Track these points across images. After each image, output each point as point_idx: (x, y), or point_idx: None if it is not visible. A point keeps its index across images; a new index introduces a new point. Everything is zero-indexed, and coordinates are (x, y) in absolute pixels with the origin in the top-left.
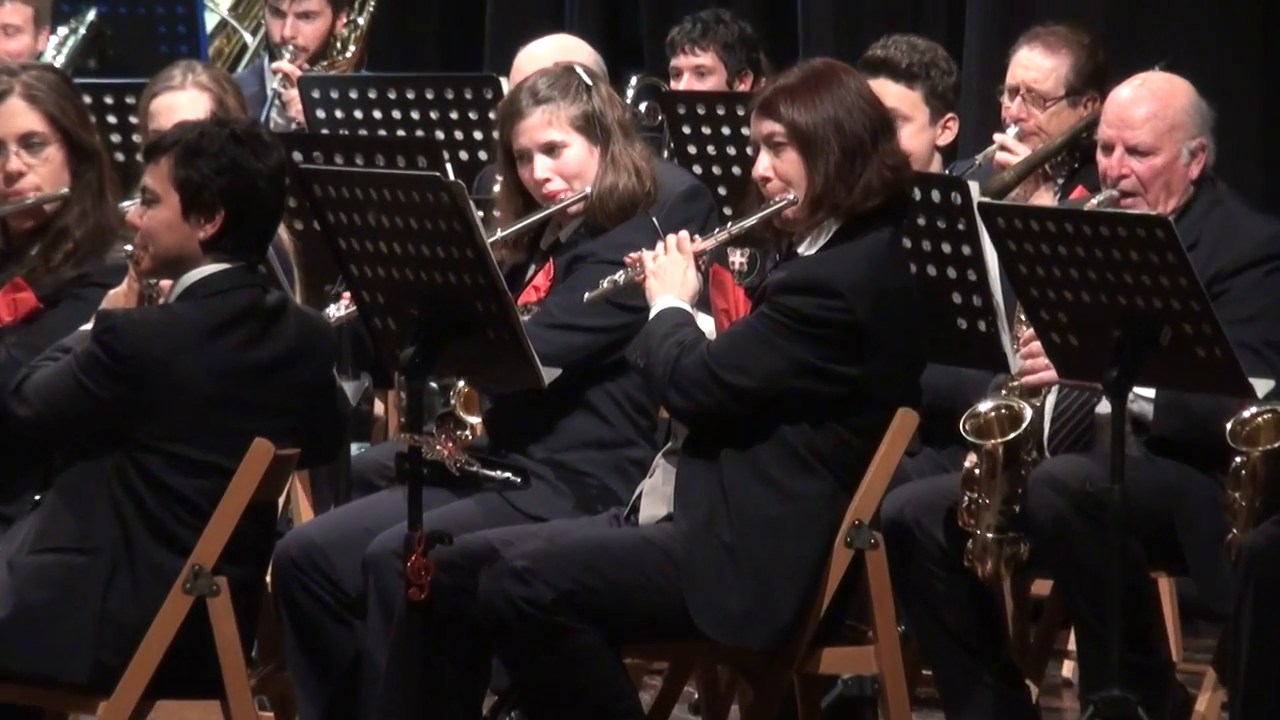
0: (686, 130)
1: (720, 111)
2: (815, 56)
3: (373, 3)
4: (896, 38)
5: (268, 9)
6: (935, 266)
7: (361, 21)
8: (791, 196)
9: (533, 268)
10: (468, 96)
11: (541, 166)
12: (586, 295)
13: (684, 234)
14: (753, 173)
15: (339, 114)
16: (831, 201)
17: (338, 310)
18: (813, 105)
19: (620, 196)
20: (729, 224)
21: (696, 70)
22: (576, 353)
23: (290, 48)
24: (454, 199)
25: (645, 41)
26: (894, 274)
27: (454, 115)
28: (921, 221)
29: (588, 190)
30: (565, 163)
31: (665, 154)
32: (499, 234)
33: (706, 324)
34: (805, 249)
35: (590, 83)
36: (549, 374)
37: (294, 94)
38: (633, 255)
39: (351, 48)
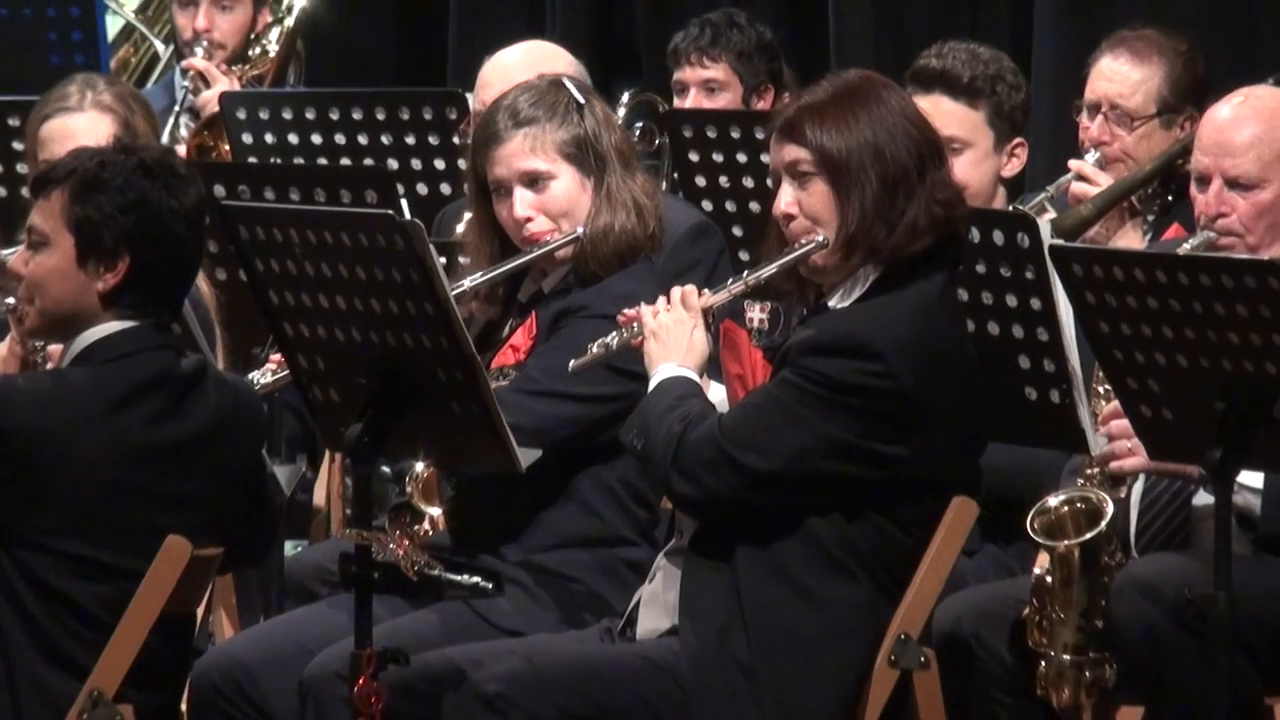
0: (693, 157)
1: (734, 134)
2: (850, 68)
3: None
4: (953, 44)
5: (174, 3)
6: (998, 323)
7: (288, 18)
8: (821, 238)
9: (509, 324)
10: (426, 117)
11: (522, 202)
12: (572, 363)
13: (690, 287)
14: (773, 209)
15: (270, 138)
16: (869, 244)
17: (268, 378)
18: (846, 127)
19: (617, 239)
20: (744, 272)
21: (705, 85)
22: (562, 428)
23: (204, 43)
24: (410, 242)
25: (643, 50)
26: (946, 332)
27: (410, 140)
28: (981, 268)
29: (579, 231)
30: (551, 198)
31: (665, 185)
32: (466, 284)
33: (718, 394)
34: (837, 302)
35: (582, 100)
36: (527, 455)
37: (210, 97)
38: (628, 312)
39: (274, 47)
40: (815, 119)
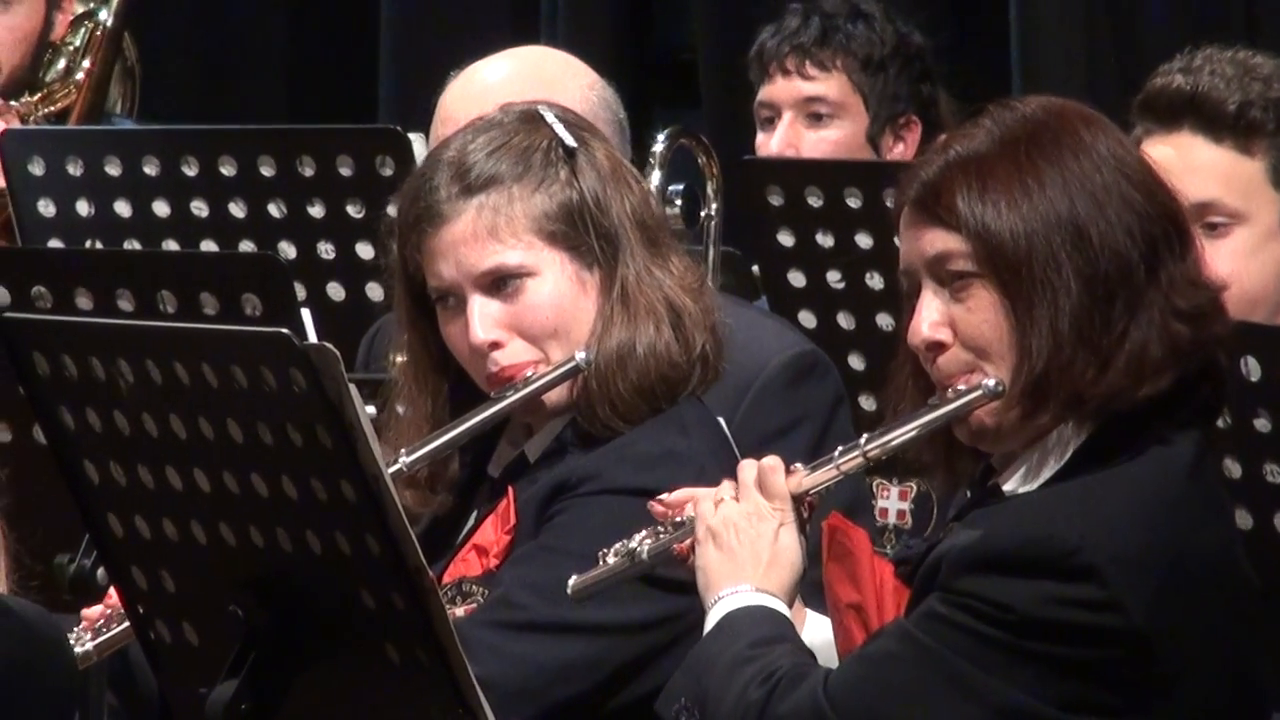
0: (785, 240)
1: (851, 201)
2: (1035, 93)
3: None
4: (1211, 52)
5: None
6: None
7: (107, 17)
8: (991, 382)
9: (474, 513)
10: (344, 172)
11: (484, 319)
12: (573, 580)
13: (773, 460)
14: (908, 332)
15: (84, 207)
16: (1068, 389)
17: (80, 641)
18: (1024, 195)
19: (641, 366)
20: (863, 437)
21: (806, 108)
22: (561, 684)
23: None
24: (318, 379)
25: (701, 61)
26: (1201, 532)
27: (317, 210)
28: (1262, 423)
29: (578, 358)
30: (529, 307)
31: (712, 280)
32: (401, 461)
33: (817, 633)
34: (1019, 484)
35: (573, 142)
36: None
37: None
38: (669, 497)
39: (85, 65)
40: (971, 182)
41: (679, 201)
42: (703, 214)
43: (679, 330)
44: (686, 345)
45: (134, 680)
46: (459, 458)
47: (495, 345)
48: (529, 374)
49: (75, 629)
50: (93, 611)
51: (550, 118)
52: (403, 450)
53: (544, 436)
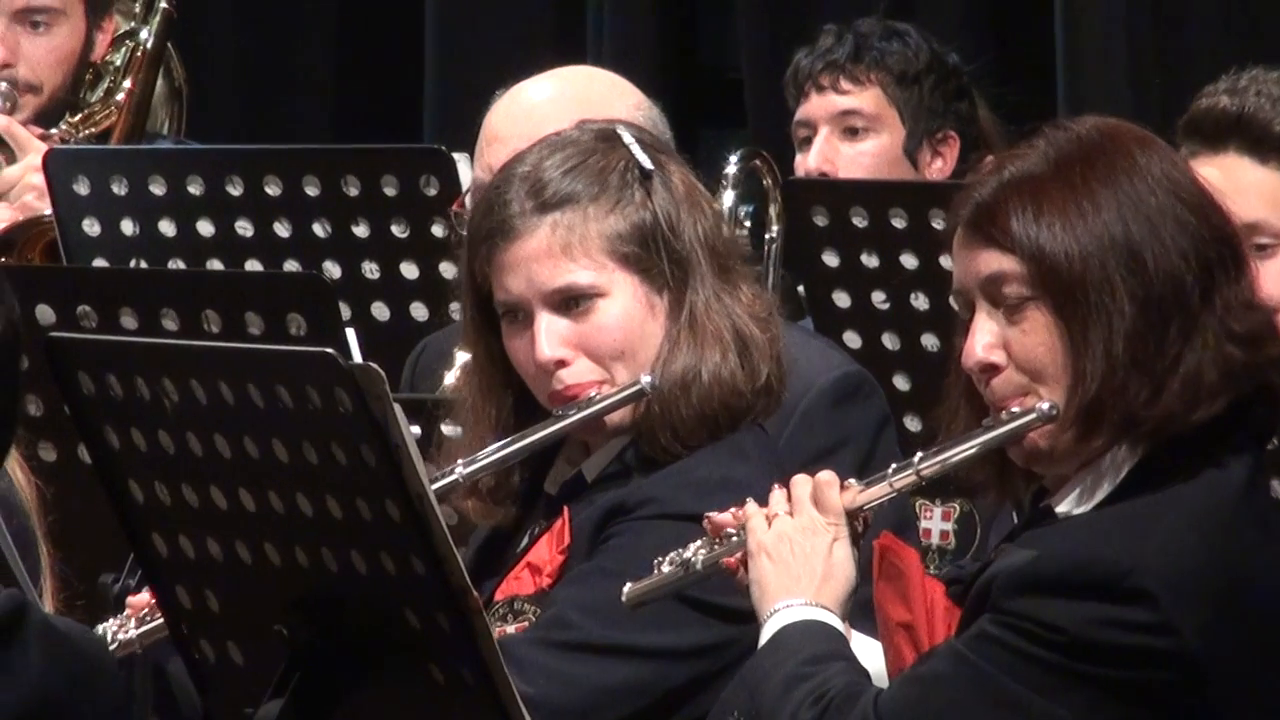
0: (830, 260)
1: (898, 223)
2: (1084, 113)
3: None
4: (1256, 73)
5: None
6: None
7: (148, 36)
8: (1045, 405)
9: (529, 531)
10: (389, 192)
11: (550, 336)
12: (628, 588)
13: (828, 475)
14: (963, 355)
15: (129, 226)
16: (1122, 411)
17: (124, 628)
18: (1078, 216)
19: (705, 393)
20: (917, 455)
21: (842, 122)
22: (612, 705)
23: (0, 86)
24: (363, 399)
25: (746, 79)
26: (1256, 555)
27: (361, 230)
28: None
29: (643, 382)
30: (598, 328)
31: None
32: (459, 471)
33: (867, 651)
34: (1072, 505)
35: (650, 164)
36: None
37: (14, 176)
38: (719, 516)
39: (126, 85)
40: (1026, 204)
41: (748, 224)
42: (766, 236)
43: (745, 359)
44: (751, 375)
45: (176, 702)
46: (521, 473)
47: (561, 363)
48: (592, 394)
49: (120, 616)
50: (139, 600)
51: (628, 138)
52: (459, 461)
53: (602, 456)
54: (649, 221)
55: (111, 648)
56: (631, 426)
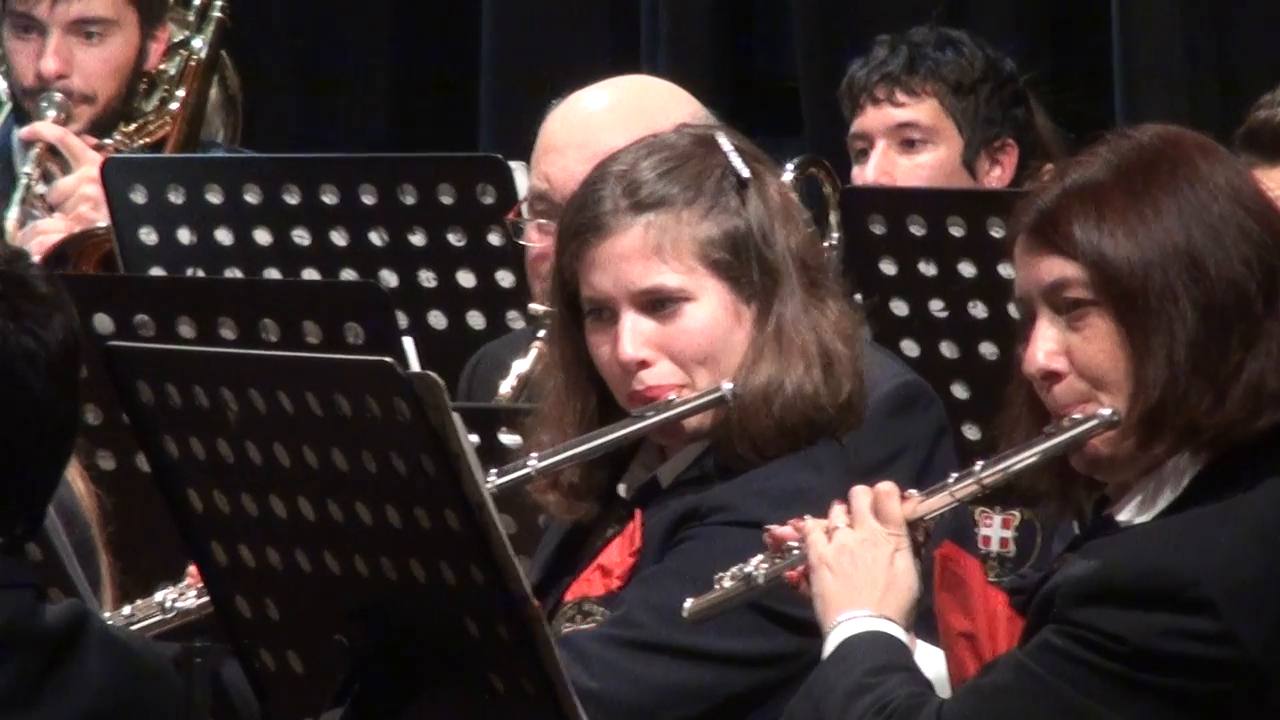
0: (887, 269)
1: (956, 231)
2: (1142, 121)
3: (221, 8)
4: None
5: (5, 24)
6: None
7: (202, 45)
8: (1107, 412)
9: (606, 533)
10: (445, 200)
11: (635, 335)
12: (688, 604)
13: (888, 485)
14: (1024, 362)
15: (187, 234)
16: (1185, 419)
17: (184, 596)
18: (1141, 224)
19: (787, 404)
20: (977, 464)
21: (899, 134)
22: (673, 705)
23: (55, 97)
24: (421, 408)
25: (802, 88)
26: None
27: (418, 238)
28: None
29: (724, 389)
30: (683, 331)
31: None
32: (532, 464)
33: (930, 661)
34: (1133, 514)
35: (747, 173)
36: None
37: (70, 186)
38: (779, 529)
39: (180, 95)
40: (1089, 211)
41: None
42: (825, 245)
43: (828, 374)
44: (834, 390)
45: (235, 712)
46: (597, 473)
47: (643, 364)
48: (672, 397)
49: (181, 584)
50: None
51: (726, 145)
52: (533, 455)
53: (678, 462)
54: (742, 230)
55: (169, 615)
56: (709, 434)
